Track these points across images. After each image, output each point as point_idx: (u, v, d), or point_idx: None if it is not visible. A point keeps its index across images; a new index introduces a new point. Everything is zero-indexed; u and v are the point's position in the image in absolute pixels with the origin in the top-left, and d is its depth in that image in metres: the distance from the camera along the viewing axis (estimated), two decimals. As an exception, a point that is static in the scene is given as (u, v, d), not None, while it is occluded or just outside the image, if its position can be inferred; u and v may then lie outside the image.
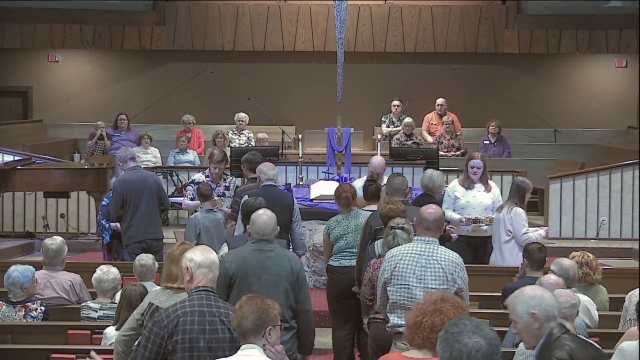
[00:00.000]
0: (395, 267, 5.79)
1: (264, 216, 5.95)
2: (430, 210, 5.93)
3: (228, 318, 4.55)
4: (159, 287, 5.62)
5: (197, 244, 7.79)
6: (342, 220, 7.95)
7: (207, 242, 8.41)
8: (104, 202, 9.99)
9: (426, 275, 5.71)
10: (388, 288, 5.84)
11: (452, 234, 8.32)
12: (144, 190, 9.30)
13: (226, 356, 4.43)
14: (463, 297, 5.67)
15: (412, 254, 5.79)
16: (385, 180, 9.19)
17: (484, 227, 8.93)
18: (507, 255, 8.74)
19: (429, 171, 8.73)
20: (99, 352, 5.97)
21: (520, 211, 8.69)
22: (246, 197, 7.87)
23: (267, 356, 4.26)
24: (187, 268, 4.74)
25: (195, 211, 9.70)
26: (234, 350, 4.46)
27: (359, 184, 9.60)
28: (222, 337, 4.55)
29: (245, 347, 4.24)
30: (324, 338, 8.13)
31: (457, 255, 5.87)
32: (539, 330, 4.14)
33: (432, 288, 5.61)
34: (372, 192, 8.11)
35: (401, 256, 5.81)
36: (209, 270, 4.70)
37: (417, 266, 5.74)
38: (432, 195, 8.46)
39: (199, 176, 10.08)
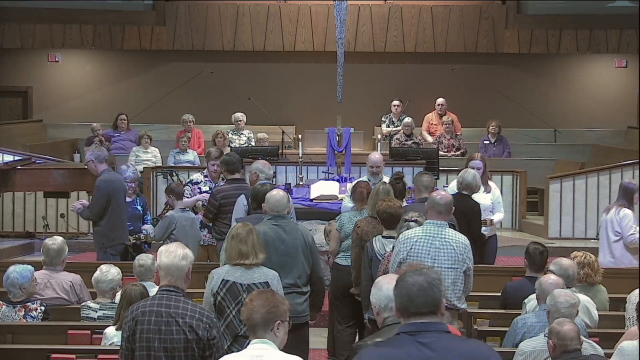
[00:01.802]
0: (411, 248, 6.23)
1: (277, 195, 6.65)
2: (441, 195, 6.45)
3: (185, 319, 4.56)
4: (226, 266, 5.86)
5: (163, 243, 8.31)
6: (354, 217, 7.78)
7: (183, 240, 8.40)
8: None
9: (440, 255, 6.22)
10: (403, 267, 6.00)
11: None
12: (122, 192, 9.26)
13: (182, 356, 4.49)
14: (470, 275, 6.34)
15: (427, 236, 6.27)
16: (384, 177, 9.19)
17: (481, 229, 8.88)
18: (618, 254, 8.92)
19: (471, 170, 8.66)
20: (99, 352, 5.99)
21: (628, 212, 8.84)
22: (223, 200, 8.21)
23: None
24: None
25: (171, 209, 9.61)
26: (190, 351, 4.52)
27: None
28: (176, 338, 4.56)
29: (256, 342, 4.18)
30: (323, 338, 8.12)
31: (465, 237, 6.37)
32: (378, 318, 4.53)
33: (445, 267, 6.20)
34: (399, 190, 8.09)
35: (416, 238, 6.27)
36: (166, 274, 4.70)
37: (432, 247, 6.24)
38: (469, 195, 8.43)
39: (197, 176, 10.06)
